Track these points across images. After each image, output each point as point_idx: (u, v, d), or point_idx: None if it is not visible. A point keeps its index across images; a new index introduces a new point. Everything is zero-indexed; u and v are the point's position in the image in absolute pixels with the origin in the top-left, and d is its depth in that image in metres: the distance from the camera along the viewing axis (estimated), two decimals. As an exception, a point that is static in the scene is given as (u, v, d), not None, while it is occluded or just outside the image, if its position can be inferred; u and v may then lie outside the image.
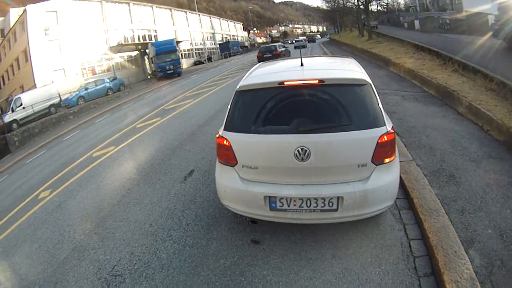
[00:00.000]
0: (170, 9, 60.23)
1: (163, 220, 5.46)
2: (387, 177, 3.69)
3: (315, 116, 3.76)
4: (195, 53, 66.53)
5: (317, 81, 3.71)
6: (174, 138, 10.30)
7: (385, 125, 3.64)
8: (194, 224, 5.09)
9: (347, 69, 4.43)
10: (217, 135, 4.14)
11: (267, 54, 30.48)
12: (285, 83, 3.78)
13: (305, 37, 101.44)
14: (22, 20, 36.11)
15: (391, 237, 4.12)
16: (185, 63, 53.67)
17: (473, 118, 7.39)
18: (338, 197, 3.62)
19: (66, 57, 37.64)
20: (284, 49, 34.02)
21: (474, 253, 3.57)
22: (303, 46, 52.57)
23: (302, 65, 4.40)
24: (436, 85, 10.03)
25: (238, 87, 4.15)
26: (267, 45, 39.91)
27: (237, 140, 3.92)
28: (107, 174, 8.76)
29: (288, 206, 3.74)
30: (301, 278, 3.65)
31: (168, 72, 38.48)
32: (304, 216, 3.75)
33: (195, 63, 61.44)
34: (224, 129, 4.06)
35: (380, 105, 3.76)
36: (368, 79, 3.89)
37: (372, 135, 3.56)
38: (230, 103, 4.16)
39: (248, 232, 4.57)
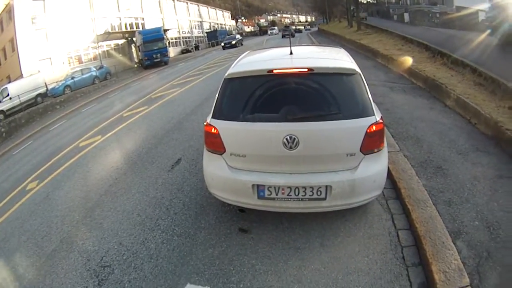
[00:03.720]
0: (158, -3, 59.60)
1: (151, 209, 5.44)
2: (375, 167, 3.71)
3: (304, 105, 3.76)
4: (183, 41, 66.03)
5: (306, 70, 3.70)
6: (161, 127, 10.27)
7: (374, 115, 3.65)
8: (182, 213, 5.09)
9: (337, 58, 4.42)
10: (205, 123, 4.11)
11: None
12: (274, 71, 3.76)
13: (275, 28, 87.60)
14: (9, 9, 35.30)
15: (379, 226, 4.15)
16: (172, 52, 53.14)
17: (461, 112, 7.44)
18: (326, 186, 3.63)
19: (52, 46, 37.00)
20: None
21: (461, 244, 3.61)
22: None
23: (291, 53, 4.35)
24: (424, 78, 10.07)
25: (226, 74, 4.12)
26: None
27: (225, 128, 3.89)
28: (94, 164, 8.70)
29: (276, 194, 3.75)
30: (290, 267, 3.67)
31: (155, 60, 38.31)
32: (293, 204, 3.76)
33: (182, 52, 60.90)
34: (212, 117, 4.03)
35: (369, 95, 3.77)
36: (358, 69, 3.89)
37: (361, 124, 3.57)
38: (218, 90, 4.13)
39: (236, 221, 4.58)
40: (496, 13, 16.36)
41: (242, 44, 48.39)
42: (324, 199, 3.67)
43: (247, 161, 3.85)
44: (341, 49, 5.14)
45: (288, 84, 3.83)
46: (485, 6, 18.63)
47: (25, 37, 34.65)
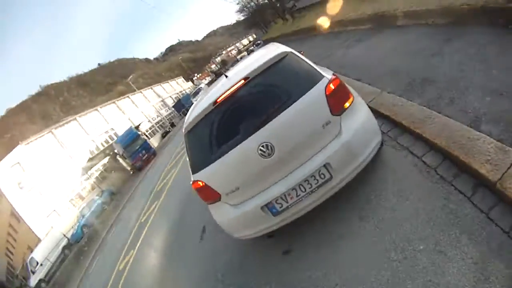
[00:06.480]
0: (114, 102, 60.40)
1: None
2: (357, 119, 3.68)
3: (258, 110, 3.77)
4: (158, 126, 66.69)
5: (243, 81, 3.78)
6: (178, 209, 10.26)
7: (323, 76, 3.67)
8: None
9: (265, 53, 4.41)
10: (191, 182, 4.11)
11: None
12: (218, 100, 3.81)
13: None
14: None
15: (404, 166, 4.01)
16: (154, 141, 53.68)
17: (413, 22, 7.78)
18: (325, 165, 3.57)
19: (50, 199, 37.60)
20: None
21: (487, 127, 3.50)
22: None
23: (226, 77, 4.45)
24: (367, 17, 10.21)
25: (183, 129, 4.18)
26: None
27: (208, 175, 3.90)
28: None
29: (287, 202, 3.71)
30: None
31: (144, 158, 38.54)
32: (307, 201, 3.71)
33: (163, 135, 60.96)
34: (193, 173, 4.06)
35: (310, 63, 3.83)
36: (288, 49, 3.96)
37: (317, 91, 3.58)
38: (186, 147, 4.18)
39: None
40: None
41: None
42: (331, 178, 3.60)
43: (243, 191, 3.83)
44: (270, 43, 5.27)
45: (236, 102, 3.86)
46: None
47: (21, 203, 35.24)
